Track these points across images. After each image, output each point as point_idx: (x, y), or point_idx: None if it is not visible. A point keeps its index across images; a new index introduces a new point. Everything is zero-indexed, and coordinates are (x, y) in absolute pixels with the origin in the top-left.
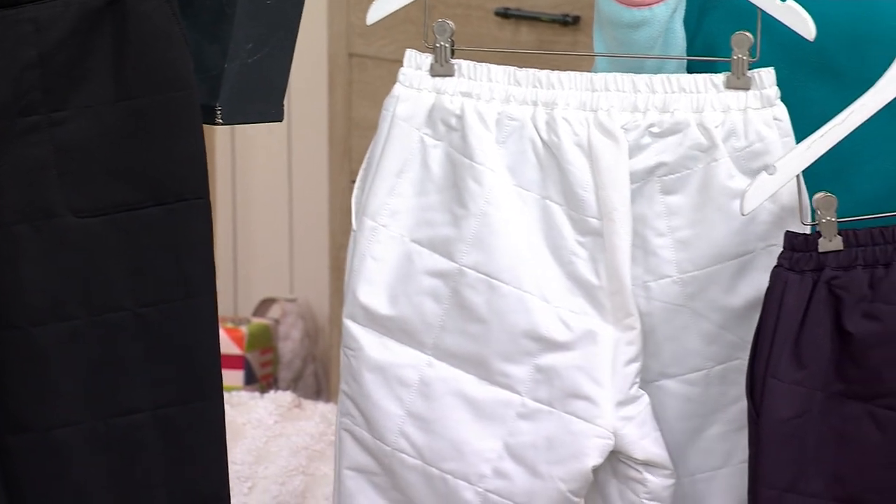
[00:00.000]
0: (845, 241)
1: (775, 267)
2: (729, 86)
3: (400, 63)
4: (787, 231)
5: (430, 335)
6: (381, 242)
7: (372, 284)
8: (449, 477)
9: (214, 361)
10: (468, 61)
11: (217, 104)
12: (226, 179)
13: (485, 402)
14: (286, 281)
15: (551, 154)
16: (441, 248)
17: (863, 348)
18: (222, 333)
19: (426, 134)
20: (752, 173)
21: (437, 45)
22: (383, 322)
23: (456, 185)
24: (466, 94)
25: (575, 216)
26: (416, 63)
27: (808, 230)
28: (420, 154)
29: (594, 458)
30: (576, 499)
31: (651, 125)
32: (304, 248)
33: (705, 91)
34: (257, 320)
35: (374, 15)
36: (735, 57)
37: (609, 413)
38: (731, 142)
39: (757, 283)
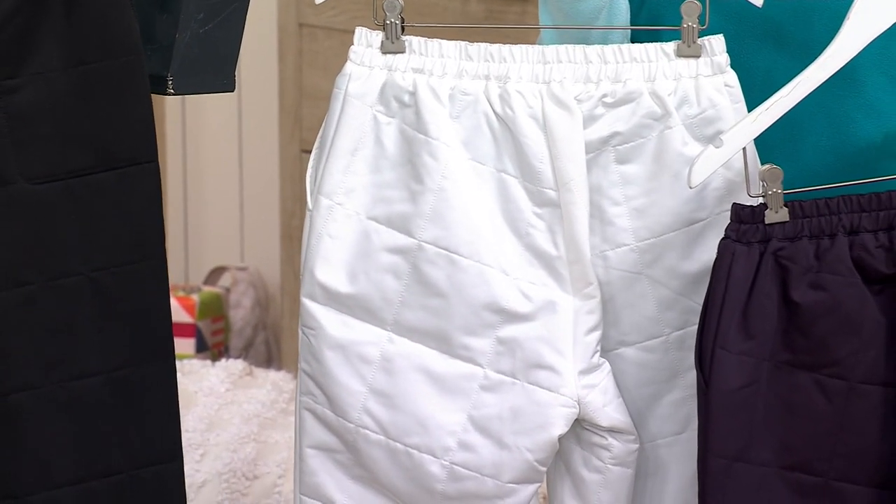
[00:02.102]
0: (791, 213)
1: (723, 239)
2: (680, 54)
3: (349, 33)
4: (734, 203)
5: (391, 311)
6: (338, 221)
7: (330, 263)
8: (414, 451)
9: (166, 323)
10: (419, 37)
11: (168, 74)
12: (176, 149)
13: (447, 376)
14: (237, 249)
15: (506, 127)
16: (399, 224)
17: (809, 318)
18: (173, 302)
19: (379, 111)
20: (706, 140)
21: (388, 22)
22: (343, 300)
23: (411, 162)
24: (418, 71)
25: (531, 188)
26: (366, 41)
27: (755, 202)
28: (373, 131)
29: (560, 428)
30: (542, 468)
31: (604, 95)
32: (255, 217)
33: (657, 60)
34: (208, 289)
35: None
36: (685, 25)
37: (572, 382)
38: (683, 109)
39: (712, 248)
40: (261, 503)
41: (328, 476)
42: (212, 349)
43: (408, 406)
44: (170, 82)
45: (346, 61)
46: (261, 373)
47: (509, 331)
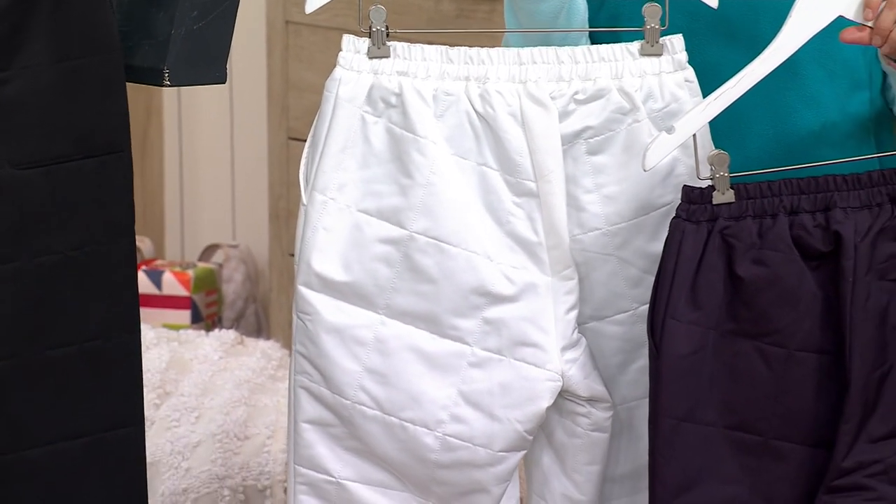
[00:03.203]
0: (737, 195)
1: (674, 218)
2: (643, 53)
3: (333, 29)
4: (684, 185)
5: (383, 297)
6: (331, 214)
7: (325, 253)
8: (409, 425)
9: (134, 298)
10: (402, 43)
11: (165, 67)
12: (173, 136)
13: (437, 355)
14: (229, 228)
15: (486, 124)
16: (390, 216)
17: (752, 291)
18: (171, 277)
19: (366, 112)
20: (668, 131)
21: (374, 29)
22: (338, 287)
23: (399, 158)
24: (403, 74)
25: (511, 180)
26: (354, 47)
27: (704, 184)
28: (361, 130)
29: (547, 400)
30: (530, 437)
31: (576, 92)
32: (245, 199)
33: (623, 59)
34: (203, 264)
35: (311, 4)
36: (648, 26)
37: (556, 358)
38: (649, 104)
39: None
40: (251, 462)
41: (323, 448)
42: (206, 320)
43: (401, 383)
44: (166, 75)
45: (329, 56)
46: (251, 342)
47: (495, 311)
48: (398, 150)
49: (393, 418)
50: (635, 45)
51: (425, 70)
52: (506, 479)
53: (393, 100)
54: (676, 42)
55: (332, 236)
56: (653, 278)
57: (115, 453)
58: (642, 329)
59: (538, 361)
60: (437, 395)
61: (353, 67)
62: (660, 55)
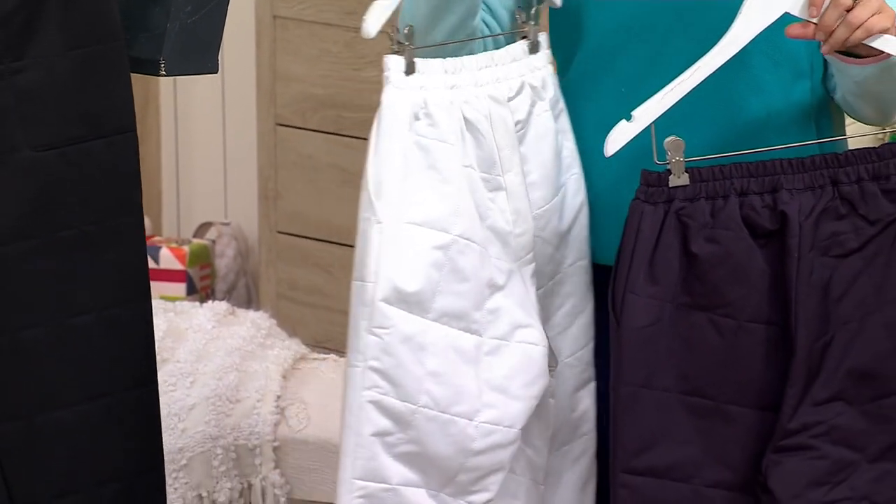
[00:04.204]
0: (691, 178)
1: (633, 200)
2: (531, 51)
3: (318, 24)
4: (643, 169)
5: (432, 301)
6: (401, 229)
7: (400, 268)
8: (458, 419)
9: (145, 268)
10: (418, 58)
11: (161, 58)
12: (169, 122)
13: (466, 349)
14: (221, 207)
15: (471, 127)
16: (436, 223)
17: (705, 267)
18: (168, 252)
19: (407, 127)
20: (556, 117)
21: (408, 47)
22: (408, 298)
23: (434, 167)
24: (423, 87)
25: (487, 177)
26: (398, 67)
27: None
28: (403, 145)
29: (548, 374)
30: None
31: (508, 90)
32: (236, 180)
33: (524, 57)
34: (197, 241)
35: (374, 25)
36: (532, 25)
37: (543, 334)
38: (545, 93)
39: (571, 205)
40: (242, 423)
41: (383, 458)
42: (200, 292)
43: (450, 380)
44: (162, 65)
45: (313, 49)
46: (242, 312)
47: (494, 301)
48: (431, 160)
49: (446, 415)
50: (525, 44)
51: (436, 82)
52: (514, 454)
53: (420, 113)
54: (545, 38)
55: (399, 249)
56: (557, 253)
57: (133, 411)
58: (548, 302)
59: (534, 339)
60: (471, 388)
61: (401, 86)
62: (538, 52)
